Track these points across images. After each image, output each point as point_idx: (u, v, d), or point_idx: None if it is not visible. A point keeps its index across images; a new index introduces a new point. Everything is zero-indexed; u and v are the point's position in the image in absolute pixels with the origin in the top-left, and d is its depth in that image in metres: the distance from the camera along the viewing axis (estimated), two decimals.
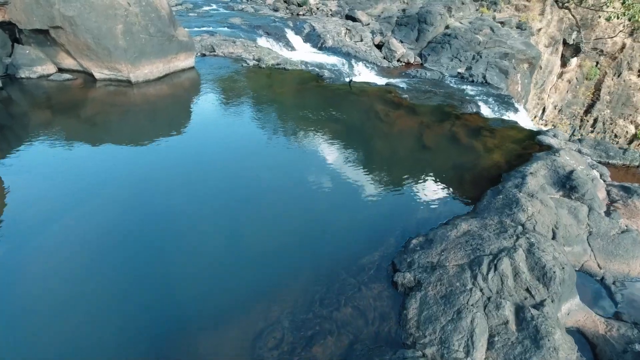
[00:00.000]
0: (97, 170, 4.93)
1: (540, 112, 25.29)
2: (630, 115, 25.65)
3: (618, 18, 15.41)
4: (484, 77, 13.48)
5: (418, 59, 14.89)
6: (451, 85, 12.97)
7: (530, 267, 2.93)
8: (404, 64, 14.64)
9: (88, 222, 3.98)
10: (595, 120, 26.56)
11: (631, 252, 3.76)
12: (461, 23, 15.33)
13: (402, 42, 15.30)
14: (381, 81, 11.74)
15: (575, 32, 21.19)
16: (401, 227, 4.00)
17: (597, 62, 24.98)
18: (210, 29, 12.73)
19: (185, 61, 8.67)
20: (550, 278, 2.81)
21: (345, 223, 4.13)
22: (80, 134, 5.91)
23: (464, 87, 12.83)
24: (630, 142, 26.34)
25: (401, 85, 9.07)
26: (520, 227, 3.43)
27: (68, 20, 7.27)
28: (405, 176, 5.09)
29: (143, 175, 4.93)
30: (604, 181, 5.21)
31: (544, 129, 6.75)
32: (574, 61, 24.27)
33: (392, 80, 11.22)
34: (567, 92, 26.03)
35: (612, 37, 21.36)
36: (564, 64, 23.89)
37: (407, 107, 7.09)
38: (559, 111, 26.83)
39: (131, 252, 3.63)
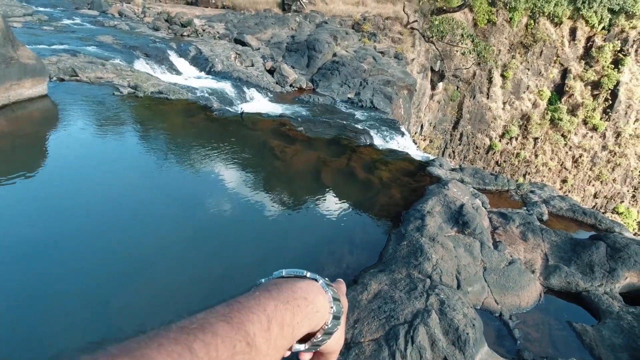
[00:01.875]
0: None
1: (419, 128, 28.35)
2: (485, 130, 30.55)
3: (470, 53, 18.16)
4: (372, 102, 14.26)
5: (310, 84, 15.09)
6: (343, 110, 13.36)
7: (445, 331, 2.77)
8: (296, 89, 14.66)
9: None
10: (461, 135, 30.92)
11: (519, 283, 3.99)
12: (347, 52, 16.14)
13: (293, 67, 15.37)
14: (275, 110, 11.43)
15: (439, 62, 24.34)
16: None
17: (457, 86, 29.26)
18: (72, 47, 10.81)
19: (32, 89, 6.98)
20: (464, 341, 2.67)
21: (236, 291, 3.51)
22: None
23: (355, 112, 13.34)
24: (487, 152, 31.26)
25: (295, 116, 8.86)
26: (428, 281, 3.31)
27: None
28: (307, 223, 4.71)
29: None
30: (485, 209, 5.65)
31: (430, 157, 7.19)
32: (441, 85, 27.91)
33: (286, 111, 11.01)
34: (438, 111, 29.81)
35: (466, 68, 25.22)
36: (433, 87, 27.34)
37: (303, 141, 6.82)
38: (434, 127, 30.50)
39: None
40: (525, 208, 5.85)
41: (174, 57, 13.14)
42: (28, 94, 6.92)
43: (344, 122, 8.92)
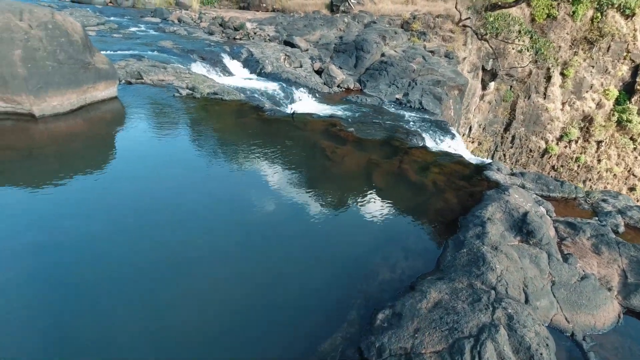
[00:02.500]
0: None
1: (468, 130, 27.15)
2: (541, 132, 28.61)
3: (527, 50, 17.04)
4: (421, 103, 13.85)
5: (357, 84, 14.98)
6: (391, 111, 13.10)
7: (515, 349, 2.57)
8: (344, 89, 14.60)
9: None
10: (513, 137, 29.21)
11: (593, 301, 3.62)
12: (395, 51, 15.81)
13: (341, 68, 15.33)
14: (324, 110, 11.45)
15: (491, 60, 23.14)
16: (362, 294, 3.47)
17: (511, 86, 27.64)
18: (138, 52, 11.56)
19: (105, 91, 7.54)
20: None
21: (295, 295, 3.51)
22: None
23: (403, 113, 13.03)
24: (542, 155, 29.27)
25: (345, 117, 8.79)
26: (492, 293, 3.10)
27: None
28: (358, 226, 4.62)
29: (55, 232, 3.88)
30: (550, 217, 5.23)
31: (486, 161, 6.80)
32: (492, 85, 26.54)
33: (334, 112, 10.98)
34: (489, 112, 28.35)
35: (522, 67, 23.73)
36: (484, 87, 26.03)
37: (354, 142, 6.74)
38: (483, 129, 29.07)
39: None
40: (596, 218, 5.33)
41: (227, 59, 13.61)
42: (101, 96, 7.48)
43: (395, 123, 8.72)
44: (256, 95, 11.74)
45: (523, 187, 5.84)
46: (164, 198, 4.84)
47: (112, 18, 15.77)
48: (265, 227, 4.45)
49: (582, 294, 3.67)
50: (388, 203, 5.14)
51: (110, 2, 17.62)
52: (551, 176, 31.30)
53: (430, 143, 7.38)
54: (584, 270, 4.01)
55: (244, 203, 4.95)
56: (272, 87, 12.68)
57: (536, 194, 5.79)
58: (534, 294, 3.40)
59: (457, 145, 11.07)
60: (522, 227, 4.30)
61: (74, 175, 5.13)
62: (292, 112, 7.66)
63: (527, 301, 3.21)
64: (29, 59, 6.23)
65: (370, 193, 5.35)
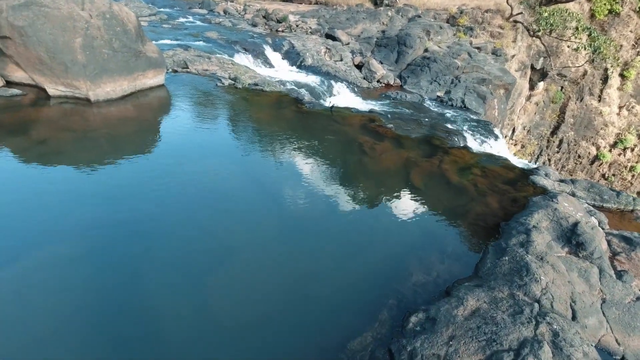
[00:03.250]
0: (54, 204, 4.07)
1: (511, 132, 25.82)
2: (592, 137, 26.67)
3: (585, 49, 15.85)
4: (463, 101, 13.32)
5: (398, 80, 14.62)
6: (431, 109, 12.69)
7: None
8: (383, 85, 14.32)
9: (48, 270, 3.14)
10: (561, 141, 27.45)
11: None
12: (439, 47, 15.26)
13: (381, 63, 15.03)
14: (363, 104, 11.28)
15: (542, 59, 21.81)
16: (395, 295, 3.38)
17: (562, 87, 25.89)
18: (185, 42, 11.93)
19: (154, 79, 7.85)
20: None
21: (328, 290, 3.48)
22: (29, 159, 4.99)
23: (444, 111, 12.59)
24: (592, 162, 27.34)
25: (384, 113, 8.60)
26: (536, 305, 2.90)
27: (18, 30, 6.33)
28: (394, 225, 4.50)
29: (109, 210, 4.11)
30: (603, 229, 4.84)
31: (532, 165, 6.40)
32: (541, 85, 25.02)
33: (372, 107, 10.81)
34: (535, 114, 26.78)
35: (576, 67, 22.17)
36: (532, 87, 24.58)
37: (392, 139, 6.57)
38: (528, 132, 27.54)
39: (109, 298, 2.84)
40: None
41: (268, 51, 13.73)
42: (150, 84, 7.79)
43: (435, 121, 8.42)
44: (295, 88, 11.78)
45: (573, 195, 5.45)
46: (203, 185, 4.97)
47: (162, 9, 16.36)
48: (301, 220, 4.45)
49: (637, 315, 3.36)
50: (425, 203, 4.97)
51: None
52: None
53: (472, 143, 7.06)
54: (639, 289, 3.67)
55: (280, 195, 4.97)
56: (311, 79, 12.66)
57: (588, 204, 5.38)
58: (582, 310, 3.15)
59: (500, 148, 10.55)
60: (571, 237, 4.00)
61: (123, 157, 5.38)
62: (331, 105, 7.59)
63: (574, 318, 2.98)
64: (87, 46, 6.59)
65: (408, 192, 5.20)
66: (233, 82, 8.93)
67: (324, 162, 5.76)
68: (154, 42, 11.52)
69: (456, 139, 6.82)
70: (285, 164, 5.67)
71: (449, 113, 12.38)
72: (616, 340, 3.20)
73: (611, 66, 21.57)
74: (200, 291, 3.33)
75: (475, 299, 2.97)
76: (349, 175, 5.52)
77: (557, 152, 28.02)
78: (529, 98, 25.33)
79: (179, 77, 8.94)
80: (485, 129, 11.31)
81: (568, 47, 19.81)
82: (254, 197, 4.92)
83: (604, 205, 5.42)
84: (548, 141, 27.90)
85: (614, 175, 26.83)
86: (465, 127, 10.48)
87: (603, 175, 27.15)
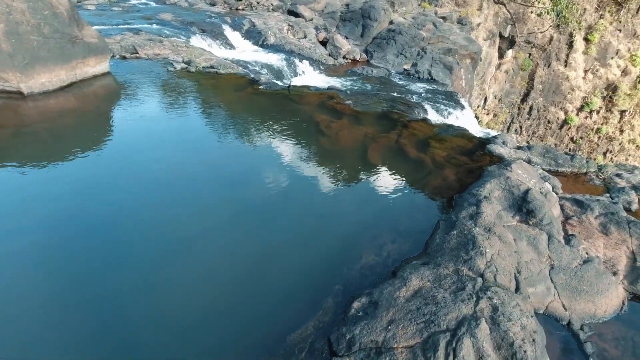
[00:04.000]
0: None
1: (483, 101, 26.01)
2: (560, 102, 27.18)
3: (548, 13, 15.78)
4: (430, 73, 13.15)
5: (364, 55, 14.25)
6: (398, 82, 12.47)
7: (497, 346, 2.30)
8: (350, 61, 13.94)
9: None
10: (531, 108, 27.89)
11: (595, 287, 3.29)
12: (405, 18, 14.88)
13: (347, 38, 14.58)
14: (324, 83, 10.94)
15: (509, 26, 21.75)
16: (342, 279, 3.24)
17: (530, 54, 26.03)
18: (135, 26, 11.16)
19: (97, 66, 7.27)
20: None
21: (276, 279, 3.30)
22: None
23: (411, 84, 12.39)
24: (561, 127, 27.98)
25: (344, 89, 8.32)
26: (479, 280, 2.80)
27: None
28: (349, 206, 4.33)
29: (51, 209, 3.77)
30: (557, 194, 4.81)
31: (492, 133, 6.32)
32: (510, 53, 25.07)
33: (334, 83, 10.48)
34: (505, 82, 26.98)
35: (542, 32, 22.21)
36: (501, 55, 24.60)
37: (351, 116, 6.34)
38: (499, 100, 27.81)
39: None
40: (608, 195, 4.88)
41: (228, 31, 13.07)
42: (93, 72, 7.23)
43: (397, 95, 8.20)
44: (257, 69, 11.28)
45: (529, 161, 5.39)
46: (153, 174, 4.66)
47: None
48: (253, 206, 4.22)
49: (584, 278, 3.34)
50: (381, 181, 4.81)
51: None
52: (570, 149, 30.07)
53: (433, 115, 6.90)
54: (587, 253, 3.65)
55: (232, 181, 4.71)
56: (274, 59, 12.17)
57: (543, 169, 5.34)
58: (527, 279, 3.09)
59: (466, 118, 10.48)
60: (522, 205, 3.93)
61: (64, 152, 4.97)
62: (288, 84, 7.25)
63: (517, 289, 2.91)
64: (12, 33, 5.98)
65: (364, 170, 5.02)
66: (186, 65, 8.42)
67: (278, 144, 5.49)
68: (100, 27, 10.74)
69: (416, 112, 6.65)
70: (238, 149, 5.38)
71: (415, 86, 12.19)
72: (563, 306, 3.17)
73: (575, 30, 21.70)
74: (146, 284, 3.12)
75: (419, 278, 2.84)
76: (304, 156, 5.28)
77: (528, 118, 28.50)
78: (498, 67, 25.40)
79: (128, 63, 8.36)
80: (451, 100, 11.19)
81: (532, 12, 19.76)
82: (206, 184, 4.64)
83: (559, 169, 5.40)
84: (519, 108, 28.29)
85: (581, 138, 27.58)
86: (429, 99, 10.33)
87: (572, 139, 27.88)
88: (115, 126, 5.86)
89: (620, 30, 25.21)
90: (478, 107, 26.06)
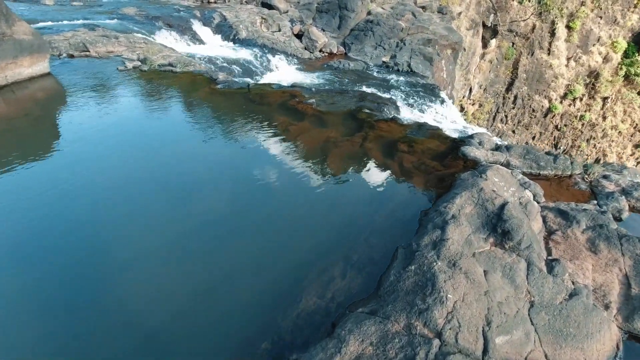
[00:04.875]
0: None
1: (468, 92, 25.42)
2: (544, 90, 26.70)
3: (529, 1, 15.04)
4: (409, 65, 12.37)
5: (341, 48, 13.40)
6: (375, 75, 11.70)
7: None
8: (326, 54, 13.08)
9: None
10: (516, 97, 27.38)
11: (584, 328, 2.64)
12: (383, 9, 14.03)
13: (323, 30, 13.70)
14: (295, 78, 10.14)
15: (492, 15, 21.02)
16: (273, 331, 2.53)
17: (513, 43, 25.38)
18: (92, 22, 10.18)
19: (32, 67, 6.38)
20: None
21: (194, 334, 2.58)
22: None
23: (389, 77, 11.63)
24: (546, 115, 27.57)
25: (312, 85, 7.53)
26: (435, 343, 2.12)
27: None
28: (296, 227, 3.61)
29: None
30: (538, 203, 4.15)
31: (472, 128, 5.62)
32: (494, 42, 24.42)
33: (305, 79, 9.68)
34: (490, 71, 26.36)
35: (524, 20, 21.53)
36: (484, 45, 23.91)
37: (313, 116, 5.58)
38: (484, 90, 27.23)
39: None
40: (595, 202, 4.23)
41: (197, 26, 12.12)
42: (28, 73, 6.34)
43: (367, 91, 7.45)
44: (226, 65, 10.42)
45: (508, 164, 4.71)
46: (88, 182, 3.91)
47: None
48: (187, 232, 3.48)
49: (570, 318, 2.68)
50: (340, 195, 4.09)
51: None
52: (553, 136, 29.58)
53: (405, 113, 6.17)
54: (574, 282, 2.99)
55: (172, 192, 3.96)
56: (245, 54, 11.29)
57: (523, 173, 4.67)
58: (501, 327, 2.41)
59: (447, 112, 9.77)
60: (497, 224, 3.25)
61: None
62: (247, 84, 6.45)
63: (485, 351, 2.23)
64: None
65: (321, 182, 4.28)
66: (139, 64, 7.54)
67: (227, 152, 4.73)
68: (52, 22, 9.75)
69: (386, 110, 5.91)
70: (180, 159, 4.60)
71: (393, 79, 11.43)
72: (545, 356, 2.51)
73: (556, 18, 21.05)
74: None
75: (360, 340, 2.15)
76: (254, 166, 4.53)
77: (513, 107, 28.02)
78: (482, 56, 24.75)
79: (74, 62, 7.45)
80: (431, 93, 10.47)
81: (513, 0, 19.02)
82: (150, 198, 3.89)
83: (541, 172, 4.73)
84: (504, 98, 27.77)
85: (565, 125, 27.22)
86: (406, 94, 9.60)
87: (556, 127, 27.52)
88: (48, 133, 5.04)
89: (601, 17, 24.67)
90: (463, 97, 25.51)
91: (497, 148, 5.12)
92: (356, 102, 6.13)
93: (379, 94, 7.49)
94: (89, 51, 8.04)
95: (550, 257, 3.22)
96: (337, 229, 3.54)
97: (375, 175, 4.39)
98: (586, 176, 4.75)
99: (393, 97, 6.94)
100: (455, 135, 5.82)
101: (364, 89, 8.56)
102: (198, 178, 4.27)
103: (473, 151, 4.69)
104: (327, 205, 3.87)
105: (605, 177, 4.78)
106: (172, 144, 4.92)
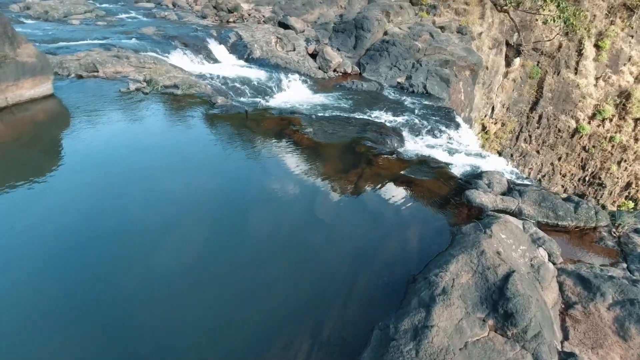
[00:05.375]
0: None
1: (490, 110, 24.52)
2: (571, 110, 25.36)
3: (554, 21, 14.18)
4: (425, 86, 11.76)
5: (356, 68, 12.99)
6: (389, 97, 11.16)
7: None
8: (340, 74, 12.68)
9: None
10: (540, 117, 26.15)
11: None
12: (400, 29, 13.55)
13: (339, 50, 13.35)
14: (310, 100, 9.78)
15: (515, 34, 20.16)
16: None
17: (538, 62, 24.31)
18: (110, 41, 10.24)
19: (34, 89, 6.29)
20: None
21: None
22: None
23: (404, 99, 11.07)
24: (572, 135, 26.15)
25: (313, 110, 7.10)
26: None
27: None
28: (269, 288, 3.11)
29: None
30: (554, 264, 3.48)
31: (484, 160, 5.01)
32: (517, 61, 23.48)
33: (316, 100, 9.29)
34: (513, 90, 25.35)
35: (549, 39, 20.51)
36: (508, 64, 23.00)
37: (308, 149, 5.11)
38: (507, 109, 26.20)
39: None
40: (625, 266, 3.51)
41: (213, 45, 12.05)
42: (29, 95, 6.25)
43: (373, 117, 6.93)
44: (237, 85, 10.20)
45: (520, 213, 4.05)
46: (77, 209, 3.61)
47: (103, 5, 14.49)
48: (157, 282, 3.07)
49: None
50: (317, 249, 3.56)
51: None
52: (581, 157, 28.00)
53: (409, 145, 5.60)
54: None
55: (136, 252, 3.58)
56: (257, 74, 11.06)
57: (539, 223, 4.00)
58: None
59: (462, 137, 9.09)
60: (498, 302, 2.64)
61: None
62: (245, 109, 6.09)
63: None
64: None
65: (304, 232, 3.78)
66: (144, 85, 7.37)
67: (210, 187, 4.32)
68: (73, 42, 9.85)
69: (389, 142, 5.38)
70: (160, 192, 4.23)
71: (408, 100, 10.86)
72: None
73: (584, 37, 19.90)
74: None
75: None
76: (236, 208, 4.09)
77: (537, 127, 26.82)
78: (506, 75, 23.82)
79: (81, 83, 7.36)
80: (445, 117, 9.83)
81: (536, 20, 18.12)
82: (118, 243, 3.53)
83: (559, 223, 4.04)
84: (528, 117, 26.64)
85: (593, 147, 25.73)
86: (423, 117, 9.00)
87: (584, 148, 26.05)
88: (41, 155, 4.84)
89: (632, 37, 23.26)
90: (485, 116, 24.62)
91: (509, 190, 4.46)
92: (357, 132, 5.63)
93: (384, 121, 6.96)
94: (98, 71, 7.98)
95: (564, 349, 2.57)
96: (310, 292, 3.01)
97: (365, 224, 3.85)
98: (614, 230, 4.02)
99: (398, 127, 6.39)
100: (464, 169, 5.20)
101: (372, 113, 8.05)
102: (159, 220, 3.86)
103: (479, 196, 4.07)
104: (302, 261, 3.36)
105: (637, 231, 4.03)
106: (148, 179, 4.56)
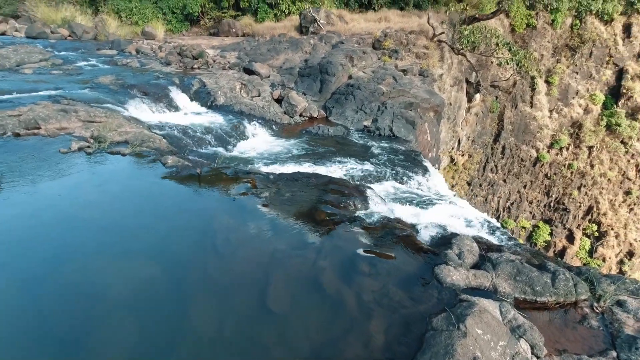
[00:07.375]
0: None
1: (457, 143, 25.17)
2: (531, 141, 26.52)
3: (507, 63, 14.91)
4: (391, 129, 11.69)
5: (322, 112, 12.83)
6: (355, 141, 10.94)
7: None
8: (306, 118, 12.47)
9: None
10: (504, 147, 27.11)
11: None
12: (364, 72, 13.70)
13: (304, 94, 13.22)
14: (276, 148, 9.37)
15: (474, 74, 21.14)
16: None
17: (497, 97, 25.54)
18: (61, 92, 9.56)
19: None
20: None
21: None
22: None
23: (371, 143, 10.87)
24: (534, 164, 27.13)
25: (269, 170, 6.63)
26: None
27: None
28: None
29: None
30: (538, 358, 2.99)
31: (453, 201, 4.59)
32: (478, 97, 24.56)
33: (278, 149, 8.88)
34: (476, 124, 26.29)
35: (505, 80, 21.65)
36: (469, 99, 23.98)
37: (263, 219, 4.52)
38: (472, 141, 27.02)
39: None
40: (615, 355, 3.07)
41: (175, 92, 11.59)
42: None
43: (333, 172, 6.54)
44: (199, 134, 9.67)
45: (495, 290, 3.60)
46: None
47: (61, 53, 13.87)
48: None
49: None
50: (272, 355, 2.93)
51: (70, 36, 15.78)
52: (544, 185, 28.87)
53: (374, 206, 5.16)
54: None
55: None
56: (220, 121, 10.61)
57: (516, 300, 3.55)
58: None
59: (431, 183, 8.84)
60: None
61: None
62: (199, 170, 5.51)
63: None
64: None
65: (252, 327, 3.14)
66: (89, 143, 6.68)
67: (142, 281, 3.62)
68: (16, 95, 9.10)
69: (351, 204, 4.91)
70: (77, 299, 3.49)
71: (375, 145, 10.66)
72: None
73: (535, 75, 21.14)
74: None
75: None
76: (171, 300, 3.41)
77: (502, 157, 27.72)
78: (468, 110, 24.75)
79: (16, 142, 6.57)
80: (412, 161, 9.62)
81: (491, 62, 19.10)
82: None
83: (538, 299, 3.61)
84: (492, 148, 27.57)
85: (555, 174, 26.75)
86: (388, 163, 8.73)
87: (546, 175, 27.05)
88: None
89: (577, 73, 25.06)
90: (452, 149, 25.23)
91: (481, 260, 4.04)
92: (318, 194, 5.14)
93: (348, 176, 6.58)
94: (40, 128, 7.23)
95: None
96: None
97: (323, 315, 3.26)
98: (596, 305, 3.62)
99: (362, 183, 5.99)
100: (433, 232, 4.78)
101: (336, 165, 7.69)
102: (78, 324, 3.14)
103: (450, 273, 3.60)
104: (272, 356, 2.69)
105: (619, 304, 3.65)
106: (67, 262, 3.83)
